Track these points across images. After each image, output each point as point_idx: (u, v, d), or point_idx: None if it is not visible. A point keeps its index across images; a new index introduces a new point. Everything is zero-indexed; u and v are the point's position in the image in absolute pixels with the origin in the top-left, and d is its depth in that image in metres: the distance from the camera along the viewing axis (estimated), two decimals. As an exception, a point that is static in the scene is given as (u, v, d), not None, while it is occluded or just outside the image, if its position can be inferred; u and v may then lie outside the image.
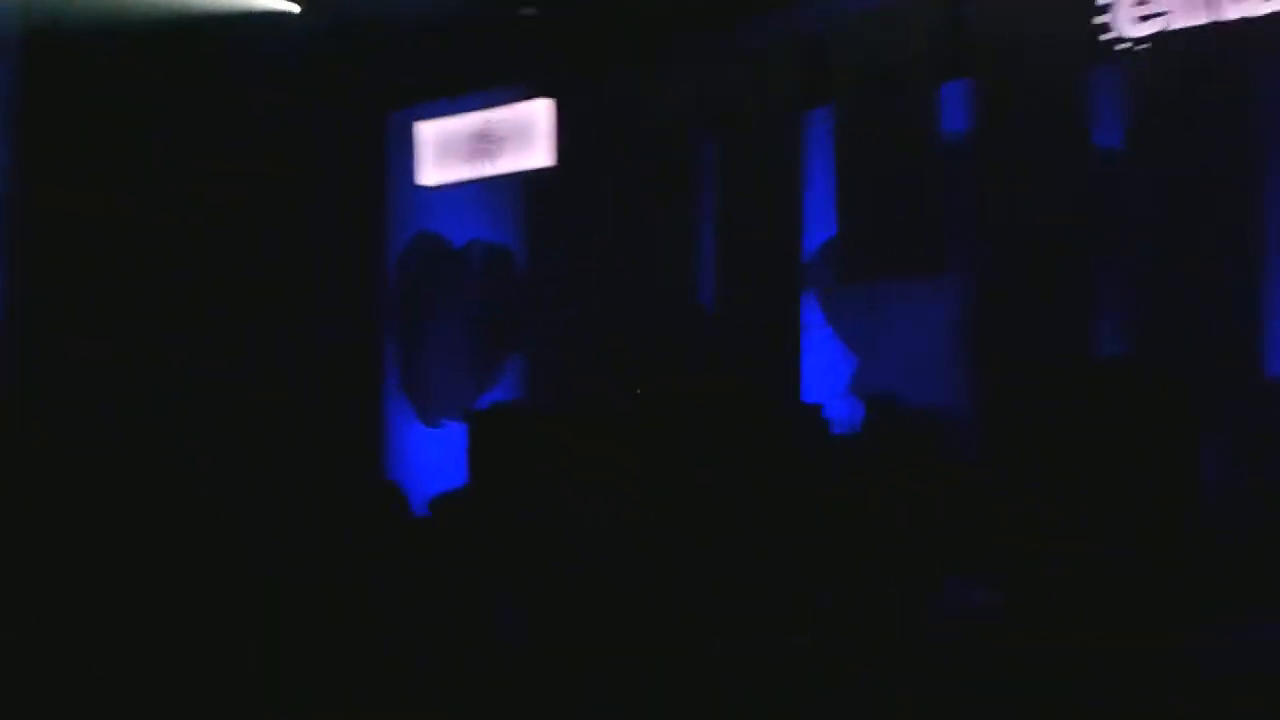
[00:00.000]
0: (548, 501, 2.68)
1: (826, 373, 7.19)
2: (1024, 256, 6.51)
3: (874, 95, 6.90)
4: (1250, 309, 6.01)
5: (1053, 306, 6.38)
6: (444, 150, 8.51)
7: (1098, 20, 6.34)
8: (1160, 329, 6.15)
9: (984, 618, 1.86)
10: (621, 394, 7.14)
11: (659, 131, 7.62)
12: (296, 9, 8.27)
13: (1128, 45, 6.32)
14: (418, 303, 8.75)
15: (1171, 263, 6.21)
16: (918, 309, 6.98)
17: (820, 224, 7.21)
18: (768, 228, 7.24)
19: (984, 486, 2.50)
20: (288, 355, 8.03)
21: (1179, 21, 6.18)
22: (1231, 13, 6.05)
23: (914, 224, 6.81)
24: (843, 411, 6.85)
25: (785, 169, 7.26)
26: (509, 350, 8.39)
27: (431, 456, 8.21)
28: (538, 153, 8.21)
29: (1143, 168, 6.31)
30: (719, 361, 6.91)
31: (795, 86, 7.20)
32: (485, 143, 8.34)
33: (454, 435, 8.06)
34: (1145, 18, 6.29)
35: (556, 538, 2.43)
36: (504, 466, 7.37)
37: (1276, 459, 5.44)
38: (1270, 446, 5.44)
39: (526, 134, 8.25)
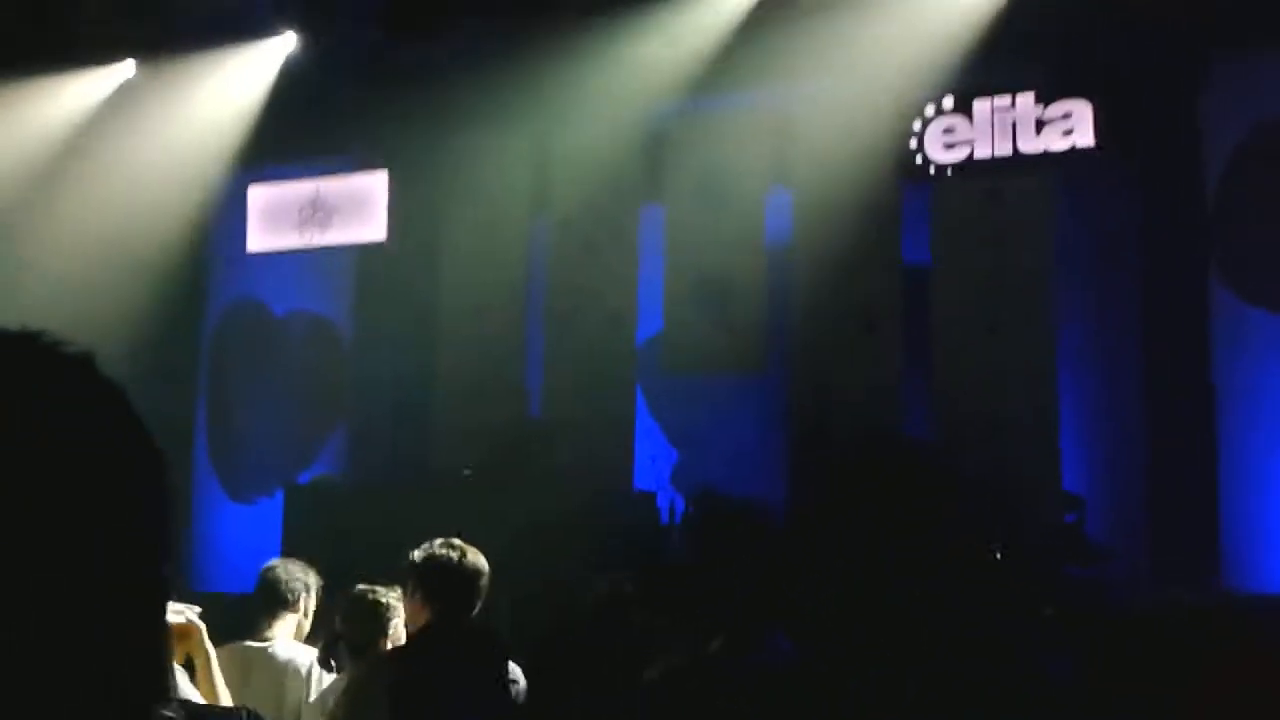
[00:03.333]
0: None
1: (659, 462, 7.33)
2: (834, 360, 6.83)
3: (706, 197, 7.15)
4: (1047, 419, 6.45)
5: (864, 408, 6.70)
6: (273, 216, 8.34)
7: (911, 145, 6.78)
8: (962, 433, 6.52)
9: (789, 667, 2.31)
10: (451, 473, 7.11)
11: (495, 213, 7.68)
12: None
13: (935, 169, 6.78)
14: (235, 372, 8.48)
15: (972, 371, 6.62)
16: (739, 404, 7.22)
17: (650, 316, 7.38)
18: (601, 316, 7.34)
19: (792, 562, 2.76)
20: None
21: (982, 151, 6.68)
22: (1031, 146, 6.58)
23: (736, 323, 7.06)
24: (667, 500, 7.01)
25: (619, 259, 7.40)
26: (330, 424, 8.21)
27: (241, 534, 7.94)
28: (370, 225, 8.15)
29: (947, 282, 6.74)
30: (550, 446, 6.93)
31: (634, 179, 7.35)
32: (317, 211, 8.23)
33: (268, 511, 7.82)
34: (951, 145, 6.76)
35: None
36: (320, 542, 7.20)
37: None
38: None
39: (360, 205, 8.18)
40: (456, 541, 3.43)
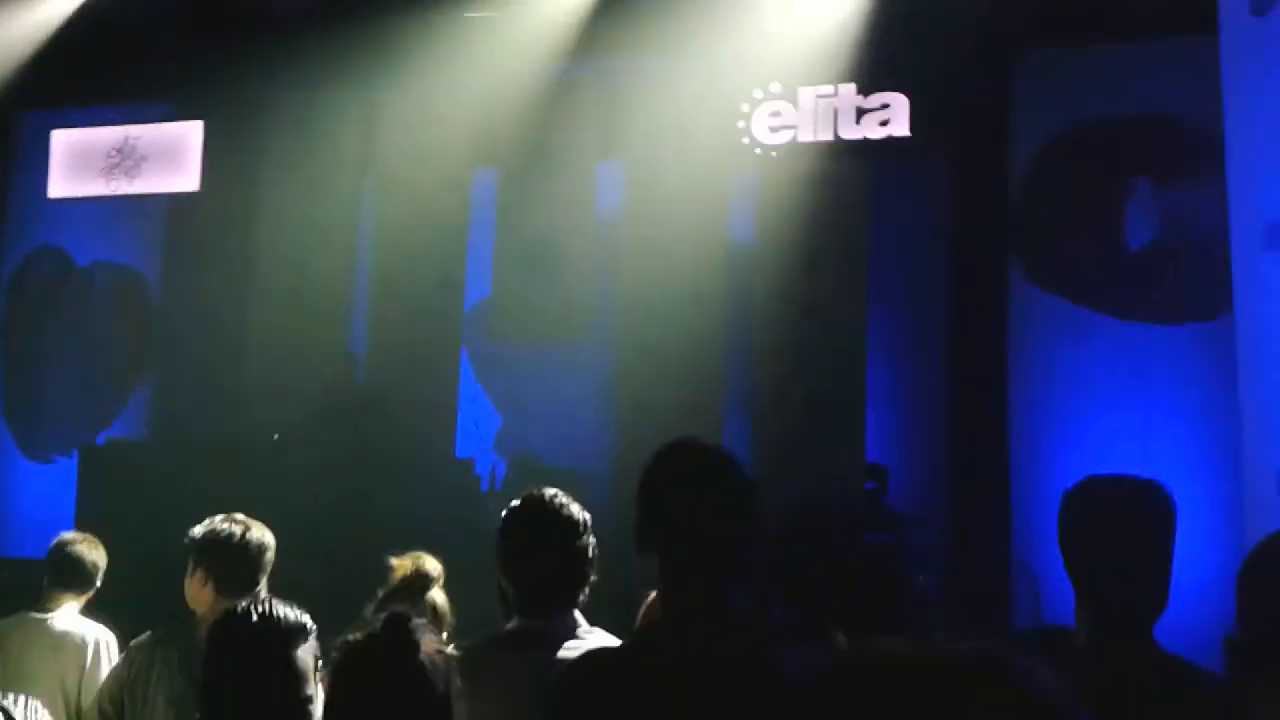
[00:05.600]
0: None
1: (481, 428, 7.33)
2: (660, 332, 7.00)
3: (538, 164, 7.17)
4: (855, 394, 6.80)
5: (685, 382, 6.89)
6: (77, 162, 7.87)
7: (739, 125, 7.00)
8: (778, 406, 6.81)
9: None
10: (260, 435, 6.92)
11: (321, 171, 7.48)
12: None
13: (761, 150, 7.03)
14: (33, 323, 7.97)
15: (788, 347, 6.91)
16: (565, 373, 7.30)
17: (478, 282, 7.36)
18: (429, 280, 7.27)
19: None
20: None
21: (805, 135, 6.96)
22: (851, 134, 6.90)
23: (564, 292, 7.13)
24: (489, 467, 7.03)
25: (449, 223, 7.34)
26: (134, 381, 7.84)
27: (36, 495, 7.51)
28: (183, 175, 7.80)
29: (768, 260, 7.00)
30: (373, 412, 6.84)
31: (467, 143, 7.29)
32: (125, 159, 7.81)
33: (64, 471, 7.44)
34: (776, 129, 7.02)
35: None
36: (115, 506, 6.88)
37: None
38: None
39: (172, 154, 7.82)
40: (240, 516, 3.28)
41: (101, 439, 7.54)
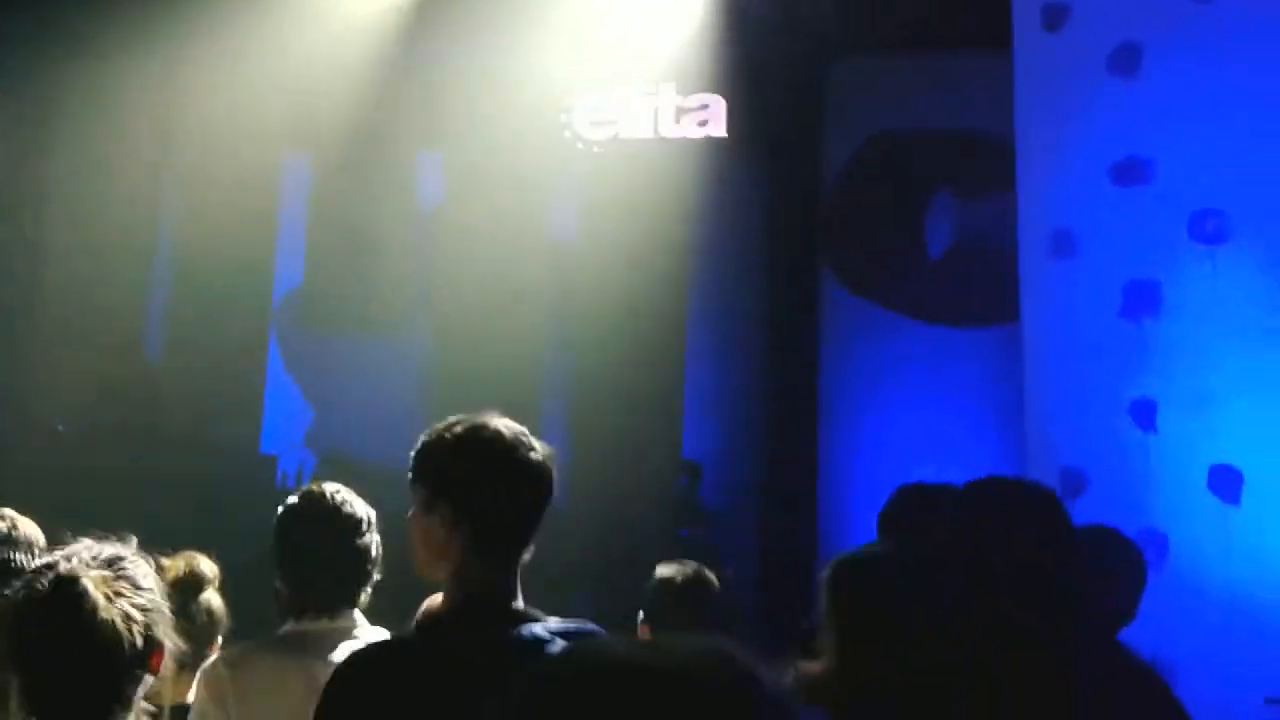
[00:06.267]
0: None
1: (288, 422, 7.09)
2: (479, 328, 6.91)
3: (355, 151, 6.96)
4: (672, 392, 6.87)
5: (503, 375, 6.82)
6: None
7: (561, 120, 6.96)
8: (599, 404, 6.81)
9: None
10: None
11: (117, 150, 7.08)
12: None
13: (584, 145, 7.01)
14: None
15: (609, 344, 6.91)
16: (380, 366, 7.13)
17: (289, 270, 7.11)
18: (234, 265, 6.97)
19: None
20: None
21: (628, 132, 6.98)
22: (671, 132, 6.94)
23: (384, 284, 6.97)
24: (295, 463, 6.80)
25: (257, 207, 7.06)
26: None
27: None
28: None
29: (590, 257, 6.99)
30: (167, 403, 6.53)
31: (277, 126, 7.02)
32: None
33: None
34: (599, 124, 7.02)
35: None
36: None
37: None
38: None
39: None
40: (7, 511, 3.12)
41: None
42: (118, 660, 1.81)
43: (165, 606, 1.93)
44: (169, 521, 5.38)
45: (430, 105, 7.03)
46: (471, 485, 2.02)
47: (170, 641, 1.89)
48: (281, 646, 2.67)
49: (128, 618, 1.84)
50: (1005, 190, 5.60)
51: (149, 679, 1.88)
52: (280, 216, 7.12)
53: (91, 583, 1.84)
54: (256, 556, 3.50)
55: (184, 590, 3.09)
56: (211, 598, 3.14)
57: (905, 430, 6.35)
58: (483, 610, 2.00)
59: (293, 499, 2.79)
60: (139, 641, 1.83)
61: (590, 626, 2.01)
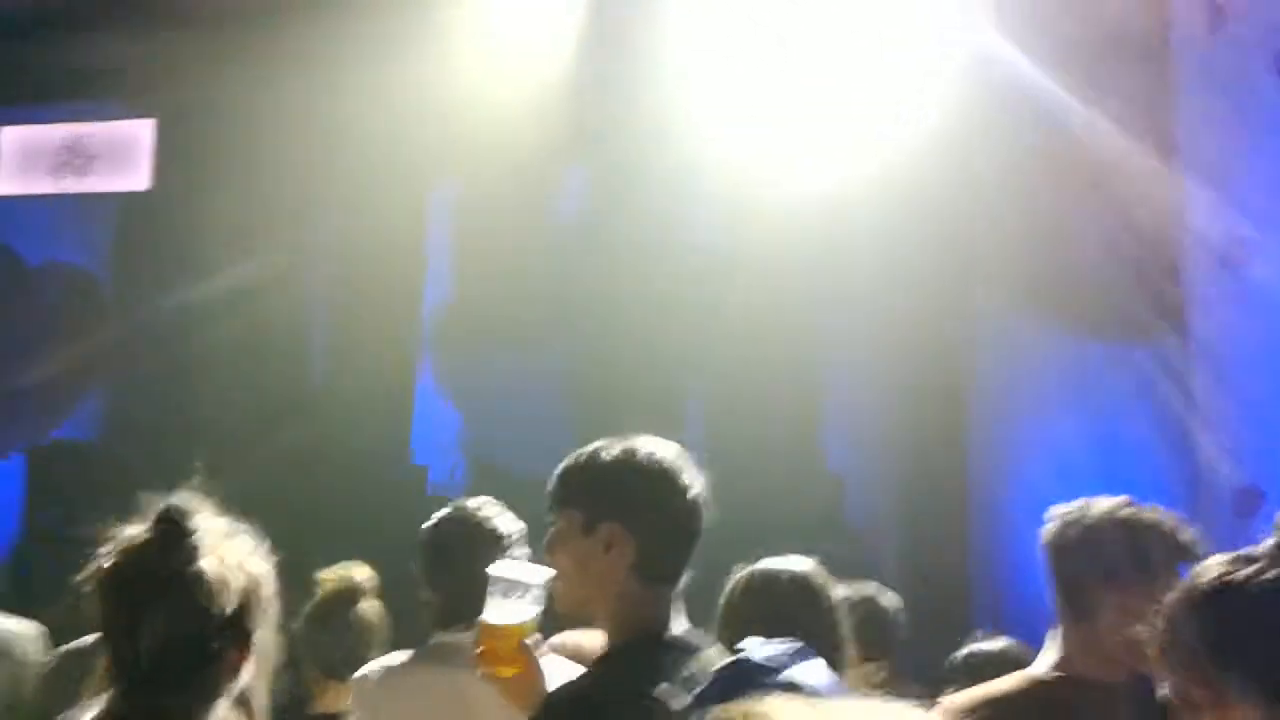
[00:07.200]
0: None
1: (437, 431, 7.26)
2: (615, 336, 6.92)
3: (500, 172, 7.03)
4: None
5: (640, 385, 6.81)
6: (26, 159, 7.71)
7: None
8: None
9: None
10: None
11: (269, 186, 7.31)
12: None
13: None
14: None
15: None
16: (524, 375, 7.23)
17: (437, 285, 7.28)
18: (387, 284, 7.18)
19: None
20: None
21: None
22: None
23: (524, 297, 7.07)
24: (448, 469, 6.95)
25: (408, 227, 7.24)
26: (84, 383, 7.69)
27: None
28: (133, 174, 7.67)
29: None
30: (327, 412, 6.74)
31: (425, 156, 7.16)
32: (75, 157, 7.66)
33: (8, 473, 7.31)
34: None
35: None
36: (65, 507, 6.74)
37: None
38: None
39: (123, 152, 7.68)
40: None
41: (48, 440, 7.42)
42: (206, 618, 1.69)
43: (272, 601, 1.83)
44: (330, 528, 5.56)
45: (577, 121, 7.06)
46: (641, 506, 1.94)
47: (263, 645, 1.76)
48: (429, 657, 2.72)
49: (225, 580, 1.74)
50: (1167, 200, 5.36)
51: (239, 676, 1.74)
52: (428, 239, 7.30)
53: (204, 534, 1.77)
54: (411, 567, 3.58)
55: (340, 602, 3.18)
56: (368, 607, 3.21)
57: (1060, 448, 6.13)
58: (659, 641, 1.89)
59: (441, 512, 2.84)
60: (229, 610, 1.71)
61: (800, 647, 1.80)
